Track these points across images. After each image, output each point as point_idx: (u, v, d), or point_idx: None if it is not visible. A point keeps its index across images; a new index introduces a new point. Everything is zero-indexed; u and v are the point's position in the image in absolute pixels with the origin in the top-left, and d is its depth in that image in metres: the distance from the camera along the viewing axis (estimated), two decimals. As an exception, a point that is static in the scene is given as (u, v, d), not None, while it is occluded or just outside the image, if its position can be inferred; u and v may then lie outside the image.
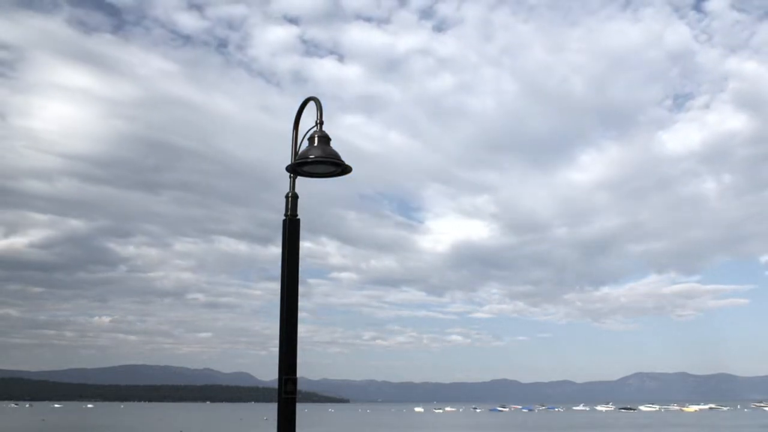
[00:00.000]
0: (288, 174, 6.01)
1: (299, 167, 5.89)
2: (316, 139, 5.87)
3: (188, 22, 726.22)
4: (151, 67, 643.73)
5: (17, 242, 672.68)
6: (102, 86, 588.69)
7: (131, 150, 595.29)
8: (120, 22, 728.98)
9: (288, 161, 5.92)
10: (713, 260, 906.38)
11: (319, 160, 5.78)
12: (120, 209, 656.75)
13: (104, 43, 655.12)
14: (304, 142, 5.98)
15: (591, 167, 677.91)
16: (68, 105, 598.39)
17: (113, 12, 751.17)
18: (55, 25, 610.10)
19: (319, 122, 5.93)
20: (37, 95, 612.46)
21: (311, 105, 6.08)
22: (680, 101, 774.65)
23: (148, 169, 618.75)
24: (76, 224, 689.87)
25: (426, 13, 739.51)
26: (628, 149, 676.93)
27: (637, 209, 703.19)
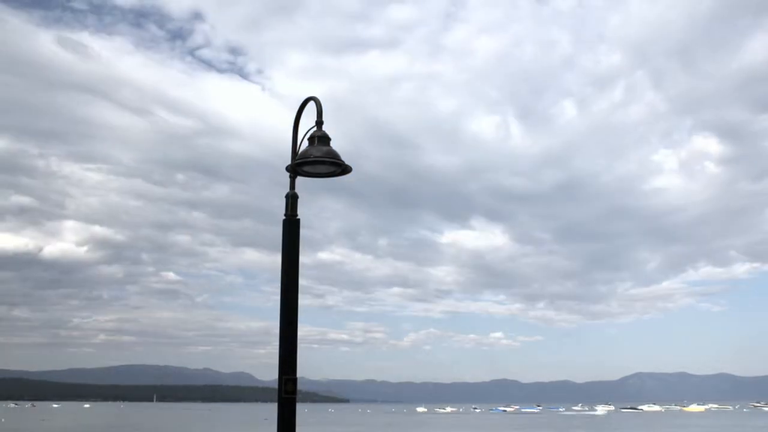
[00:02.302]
0: (289, 175, 6.01)
1: (299, 167, 5.88)
2: (316, 139, 5.87)
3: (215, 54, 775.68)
4: (203, 97, 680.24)
5: (30, 244, 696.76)
6: (168, 116, 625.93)
7: (183, 172, 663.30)
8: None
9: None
10: (698, 266, 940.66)
11: (319, 159, 5.77)
12: (162, 222, 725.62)
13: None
14: (304, 142, 5.98)
15: (587, 186, 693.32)
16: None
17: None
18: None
19: (319, 122, 5.93)
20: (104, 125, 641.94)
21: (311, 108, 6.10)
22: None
23: (196, 188, 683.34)
24: (108, 232, 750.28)
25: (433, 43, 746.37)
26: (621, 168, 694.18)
27: (630, 220, 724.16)
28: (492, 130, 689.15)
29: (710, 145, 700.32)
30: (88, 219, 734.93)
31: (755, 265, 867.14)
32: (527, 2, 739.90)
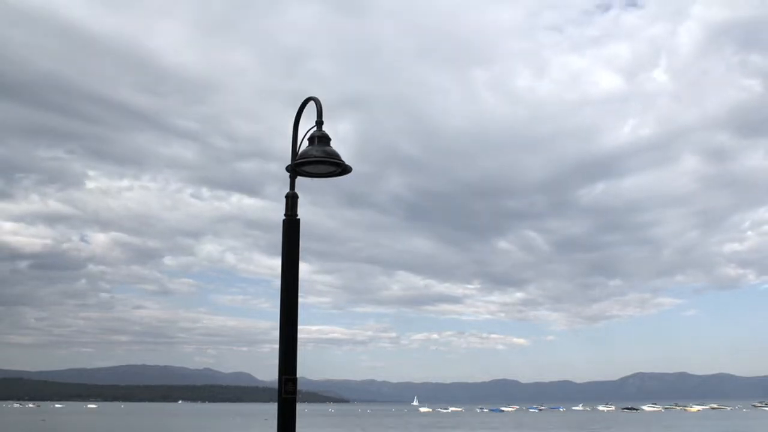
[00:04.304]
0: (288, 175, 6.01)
1: (299, 167, 5.88)
2: (316, 139, 5.86)
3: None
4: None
5: (47, 246, 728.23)
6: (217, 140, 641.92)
7: (225, 189, 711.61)
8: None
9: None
10: (687, 272, 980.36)
11: (319, 159, 5.76)
12: (193, 231, 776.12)
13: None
14: (304, 142, 5.97)
15: (582, 208, 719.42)
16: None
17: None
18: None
19: (319, 122, 5.92)
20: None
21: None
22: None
23: (232, 203, 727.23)
24: (137, 239, 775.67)
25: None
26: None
27: (623, 231, 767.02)
28: (492, 152, 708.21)
29: (697, 164, 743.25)
30: (119, 227, 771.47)
31: (740, 271, 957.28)
32: (546, 32, 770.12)
